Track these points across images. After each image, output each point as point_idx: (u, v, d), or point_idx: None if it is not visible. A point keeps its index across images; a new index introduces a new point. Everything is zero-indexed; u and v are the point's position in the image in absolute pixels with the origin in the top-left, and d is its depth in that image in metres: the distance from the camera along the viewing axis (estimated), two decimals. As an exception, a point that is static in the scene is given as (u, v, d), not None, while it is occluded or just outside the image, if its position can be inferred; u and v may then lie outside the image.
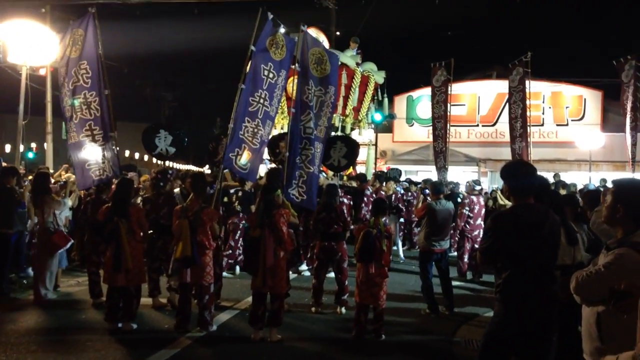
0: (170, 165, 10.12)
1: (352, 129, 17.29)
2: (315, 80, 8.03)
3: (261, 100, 7.36)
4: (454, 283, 8.82)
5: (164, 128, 9.06)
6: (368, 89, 16.49)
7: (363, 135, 19.07)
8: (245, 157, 7.31)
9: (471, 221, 10.43)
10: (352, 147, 9.48)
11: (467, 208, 10.43)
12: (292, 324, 7.09)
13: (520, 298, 3.78)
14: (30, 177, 9.64)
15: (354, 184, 12.74)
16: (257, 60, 7.29)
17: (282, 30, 8.05)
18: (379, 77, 16.82)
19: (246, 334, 6.45)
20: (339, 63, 15.34)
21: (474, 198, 10.59)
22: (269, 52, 7.42)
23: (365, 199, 11.37)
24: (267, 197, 6.45)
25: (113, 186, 7.84)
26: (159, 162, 9.81)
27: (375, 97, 17.14)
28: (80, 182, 8.35)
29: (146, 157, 33.61)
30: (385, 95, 17.83)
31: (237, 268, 9.87)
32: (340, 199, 10.56)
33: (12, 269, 8.66)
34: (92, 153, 8.15)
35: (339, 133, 15.81)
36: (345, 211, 10.45)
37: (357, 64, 15.95)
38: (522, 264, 3.79)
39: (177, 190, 8.64)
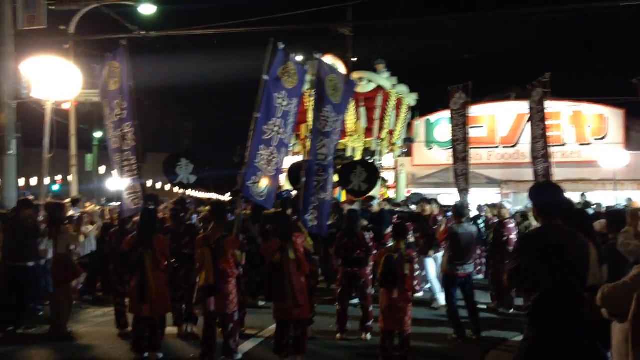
0: (189, 194, 10.20)
1: (387, 152, 17.27)
2: (333, 107, 8.11)
3: (275, 128, 7.45)
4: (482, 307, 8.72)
5: (185, 156, 9.12)
6: (401, 111, 16.44)
7: (397, 159, 19.09)
8: (262, 185, 7.38)
9: (510, 248, 9.36)
10: (372, 172, 9.47)
11: (514, 234, 9.55)
12: (317, 351, 7.05)
13: (549, 321, 3.72)
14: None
15: (399, 209, 12.46)
16: (270, 89, 7.40)
17: (296, 58, 8.15)
18: (411, 99, 16.79)
19: (271, 362, 6.42)
20: (375, 85, 15.43)
21: (511, 225, 9.83)
22: (282, 81, 7.55)
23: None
24: (283, 223, 6.50)
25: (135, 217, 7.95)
26: (180, 191, 9.91)
27: (407, 120, 17.12)
28: (121, 212, 8.46)
29: (167, 187, 33.95)
30: (418, 116, 17.74)
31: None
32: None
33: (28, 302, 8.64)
34: (129, 182, 8.30)
35: (376, 157, 15.75)
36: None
37: (393, 86, 15.96)
38: (550, 286, 3.74)
39: None
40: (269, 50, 7.48)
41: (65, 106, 16.26)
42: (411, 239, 10.68)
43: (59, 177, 24.30)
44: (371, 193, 13.93)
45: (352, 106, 15.48)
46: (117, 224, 8.76)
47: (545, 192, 4.06)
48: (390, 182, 20.44)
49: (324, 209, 7.97)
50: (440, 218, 10.14)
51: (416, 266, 10.93)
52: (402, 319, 6.45)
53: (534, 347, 3.77)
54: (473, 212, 12.87)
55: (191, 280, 7.47)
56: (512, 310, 9.44)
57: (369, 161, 13.37)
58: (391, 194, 18.15)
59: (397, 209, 12.27)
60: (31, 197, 10.51)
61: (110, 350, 7.20)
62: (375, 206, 10.77)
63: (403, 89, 16.25)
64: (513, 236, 9.45)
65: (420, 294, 10.53)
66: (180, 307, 7.78)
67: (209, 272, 6.31)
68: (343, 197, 15.45)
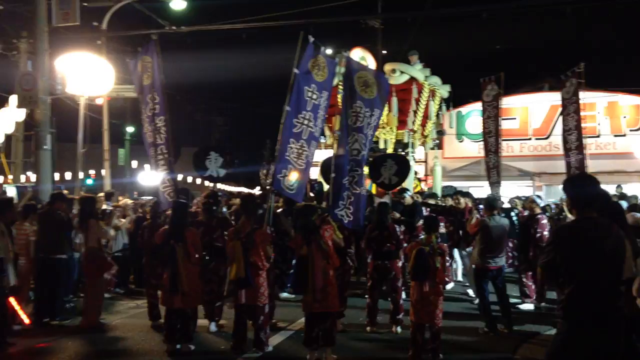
0: (219, 188, 10.22)
1: (419, 145, 17.13)
2: (365, 102, 8.04)
3: (305, 122, 7.45)
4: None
5: (214, 150, 9.14)
6: (434, 103, 16.25)
7: (429, 152, 18.95)
8: (292, 178, 7.39)
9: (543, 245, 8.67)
10: (403, 165, 9.36)
11: (547, 230, 8.96)
12: (347, 343, 7.05)
13: (584, 315, 3.65)
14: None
15: (431, 201, 12.25)
16: (300, 83, 7.39)
17: (325, 52, 8.09)
18: (444, 91, 16.60)
19: (302, 355, 6.44)
20: (408, 77, 15.28)
21: (544, 221, 9.28)
22: (312, 74, 7.52)
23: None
24: (308, 217, 6.49)
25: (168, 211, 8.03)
26: (211, 185, 9.96)
27: (440, 112, 16.89)
28: (158, 205, 8.59)
29: (199, 181, 34.24)
30: (451, 108, 17.49)
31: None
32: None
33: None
34: (163, 176, 8.43)
35: (409, 149, 15.59)
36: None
37: (426, 77, 15.78)
38: (585, 279, 3.67)
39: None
40: (299, 44, 7.49)
41: (98, 101, 16.52)
42: (442, 230, 10.59)
43: (92, 172, 24.71)
44: (405, 185, 13.81)
45: None
46: (150, 218, 8.88)
47: (581, 184, 3.97)
48: (421, 174, 20.23)
49: (361, 203, 7.90)
50: (474, 211, 9.97)
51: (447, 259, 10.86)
52: (433, 312, 6.41)
53: (569, 341, 3.70)
54: (506, 205, 12.71)
55: (221, 274, 7.53)
56: (543, 304, 9.29)
57: (400, 154, 13.17)
58: (422, 186, 17.99)
59: (431, 201, 12.04)
60: (65, 191, 10.69)
61: (143, 341, 7.31)
62: (408, 198, 10.67)
63: (436, 80, 16.05)
64: (546, 232, 8.94)
65: (450, 286, 10.51)
66: (209, 300, 7.83)
67: (239, 265, 6.37)
68: (373, 189, 15.36)
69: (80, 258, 8.60)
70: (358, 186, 7.85)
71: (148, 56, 8.53)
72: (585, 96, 14.78)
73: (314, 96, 7.52)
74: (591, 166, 14.74)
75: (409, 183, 15.06)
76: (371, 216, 8.74)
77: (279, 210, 10.39)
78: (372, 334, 7.61)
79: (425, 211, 10.45)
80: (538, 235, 9.08)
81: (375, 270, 7.94)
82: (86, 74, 12.97)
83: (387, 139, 15.22)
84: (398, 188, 10.13)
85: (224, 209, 10.51)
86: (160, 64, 8.46)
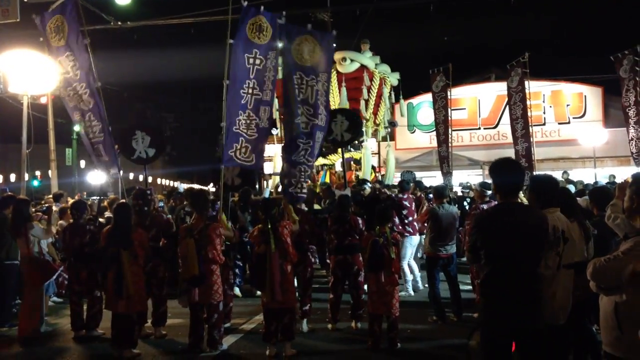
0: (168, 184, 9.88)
1: (372, 134, 17.18)
2: (305, 70, 7.78)
3: (250, 90, 7.27)
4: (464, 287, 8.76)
5: (139, 128, 8.49)
6: (384, 91, 16.28)
7: (382, 141, 19.04)
8: (245, 149, 7.31)
9: None
10: (354, 121, 9.07)
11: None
12: (306, 338, 7.05)
13: (498, 295, 3.82)
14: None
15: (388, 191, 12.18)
16: (237, 53, 7.18)
17: (264, 10, 7.65)
18: (393, 78, 16.64)
19: (260, 351, 6.43)
20: (359, 65, 15.22)
21: (486, 207, 8.94)
22: (251, 40, 7.29)
23: (404, 211, 9.47)
24: (268, 213, 6.47)
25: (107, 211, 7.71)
26: (165, 182, 9.75)
27: (390, 100, 16.99)
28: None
29: (158, 180, 33.61)
30: (401, 97, 17.56)
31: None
32: None
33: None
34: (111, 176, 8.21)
35: (364, 137, 15.52)
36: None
37: (376, 65, 15.79)
38: (500, 261, 3.83)
39: None
40: (230, 12, 7.27)
41: (42, 100, 16.05)
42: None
43: (38, 173, 24.01)
44: (363, 176, 13.75)
45: (334, 86, 15.37)
46: (72, 219, 8.06)
47: (503, 169, 4.06)
48: (374, 164, 20.41)
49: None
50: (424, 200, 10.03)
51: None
52: (390, 302, 6.48)
53: (488, 320, 3.91)
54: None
55: (159, 275, 7.35)
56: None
57: (349, 109, 12.57)
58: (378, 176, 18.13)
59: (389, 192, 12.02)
60: (11, 194, 10.34)
61: (90, 346, 7.10)
62: (368, 189, 10.63)
63: (386, 68, 16.14)
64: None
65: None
66: (153, 305, 7.36)
67: (192, 263, 6.28)
68: (327, 178, 15.36)
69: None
70: (312, 157, 7.77)
71: (62, 16, 7.91)
72: (530, 85, 15.20)
73: (257, 61, 7.31)
74: (538, 154, 15.21)
75: (367, 173, 15.14)
76: (331, 209, 8.64)
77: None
78: (331, 329, 7.56)
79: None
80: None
81: (337, 266, 7.64)
82: (29, 72, 12.54)
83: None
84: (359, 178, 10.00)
85: (161, 203, 10.13)
86: (78, 27, 7.86)
